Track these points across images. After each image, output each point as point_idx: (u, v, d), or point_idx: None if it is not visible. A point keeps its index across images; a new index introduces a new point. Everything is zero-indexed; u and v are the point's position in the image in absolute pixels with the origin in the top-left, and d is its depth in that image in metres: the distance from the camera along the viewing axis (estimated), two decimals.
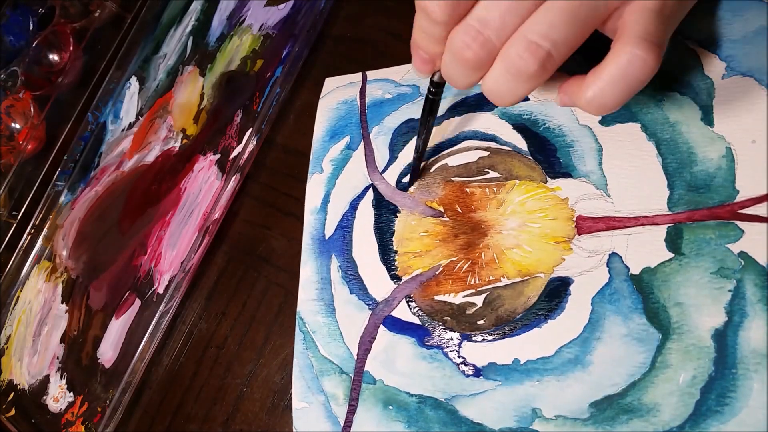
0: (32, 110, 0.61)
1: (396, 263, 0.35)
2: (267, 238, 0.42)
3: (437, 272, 0.33)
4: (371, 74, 0.41)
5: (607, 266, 0.28)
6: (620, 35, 0.23)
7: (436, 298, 0.33)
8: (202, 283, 0.44)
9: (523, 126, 0.33)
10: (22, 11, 0.63)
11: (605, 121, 0.31)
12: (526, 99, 0.34)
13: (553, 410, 0.28)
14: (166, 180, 0.50)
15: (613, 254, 0.28)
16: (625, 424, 0.26)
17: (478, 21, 0.23)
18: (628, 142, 0.30)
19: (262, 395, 0.38)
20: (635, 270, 0.28)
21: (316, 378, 0.35)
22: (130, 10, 0.61)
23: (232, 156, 0.45)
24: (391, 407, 0.32)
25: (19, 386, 0.51)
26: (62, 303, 0.52)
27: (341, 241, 0.37)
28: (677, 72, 0.29)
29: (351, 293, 0.36)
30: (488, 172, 0.34)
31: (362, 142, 0.39)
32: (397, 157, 0.37)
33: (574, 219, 0.30)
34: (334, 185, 0.39)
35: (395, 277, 0.35)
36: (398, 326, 0.33)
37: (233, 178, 0.44)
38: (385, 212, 0.36)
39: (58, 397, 0.48)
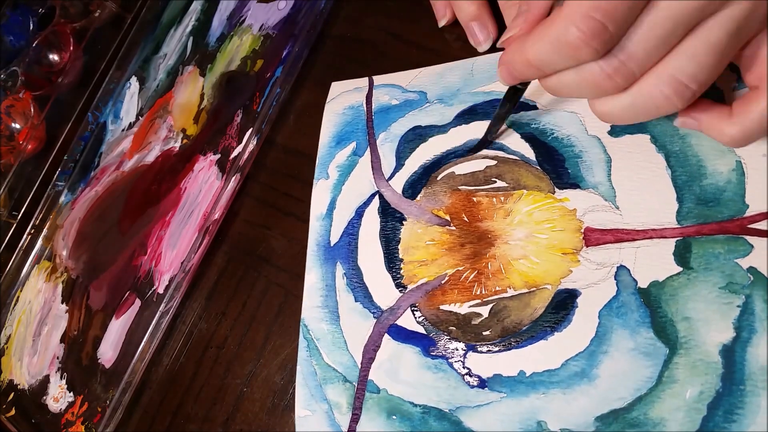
0: (32, 110, 0.61)
1: (401, 272, 0.35)
2: (267, 238, 0.42)
3: (443, 281, 0.33)
4: (378, 79, 0.40)
5: (615, 279, 0.28)
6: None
7: (442, 307, 0.33)
8: (202, 283, 0.44)
9: (531, 135, 0.33)
10: (22, 11, 0.63)
11: (614, 131, 0.31)
12: (534, 107, 0.33)
13: (558, 423, 0.27)
14: (166, 180, 0.50)
15: (621, 267, 0.28)
16: None
17: (622, 52, 0.23)
18: (638, 153, 0.29)
19: (262, 395, 0.38)
20: (643, 283, 0.27)
21: (320, 386, 0.35)
22: (130, 10, 0.61)
23: (232, 156, 0.45)
24: (394, 417, 0.32)
25: (19, 386, 0.51)
26: (62, 303, 0.52)
27: (346, 248, 0.37)
28: None
29: (356, 301, 0.36)
30: (495, 182, 0.33)
31: (368, 149, 0.39)
32: (403, 165, 0.37)
33: (582, 230, 0.30)
34: (340, 191, 0.39)
35: (400, 286, 0.34)
36: (403, 335, 0.33)
37: (233, 178, 0.44)
38: (391, 220, 0.36)
39: (58, 397, 0.48)
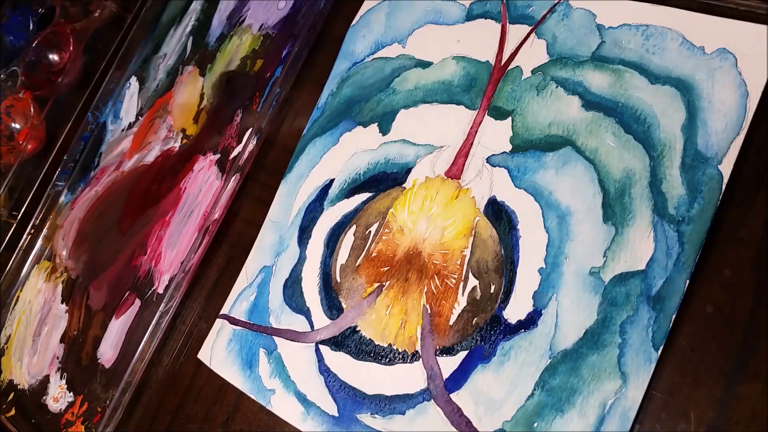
0: (32, 110, 0.61)
1: (395, 346, 0.34)
2: None
3: (420, 309, 0.34)
4: None
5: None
6: None
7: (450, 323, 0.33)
8: (202, 283, 0.44)
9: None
10: (22, 11, 0.63)
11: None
12: None
13: None
14: (166, 180, 0.50)
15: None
16: None
17: None
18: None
19: None
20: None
21: None
22: (130, 10, 0.61)
23: (232, 156, 0.45)
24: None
25: (19, 386, 0.51)
26: (62, 303, 0.52)
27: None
28: None
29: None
30: (370, 231, 0.36)
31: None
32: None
33: (444, 176, 0.35)
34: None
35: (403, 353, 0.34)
36: None
37: (233, 178, 0.44)
38: (351, 341, 0.35)
39: (58, 397, 0.48)
